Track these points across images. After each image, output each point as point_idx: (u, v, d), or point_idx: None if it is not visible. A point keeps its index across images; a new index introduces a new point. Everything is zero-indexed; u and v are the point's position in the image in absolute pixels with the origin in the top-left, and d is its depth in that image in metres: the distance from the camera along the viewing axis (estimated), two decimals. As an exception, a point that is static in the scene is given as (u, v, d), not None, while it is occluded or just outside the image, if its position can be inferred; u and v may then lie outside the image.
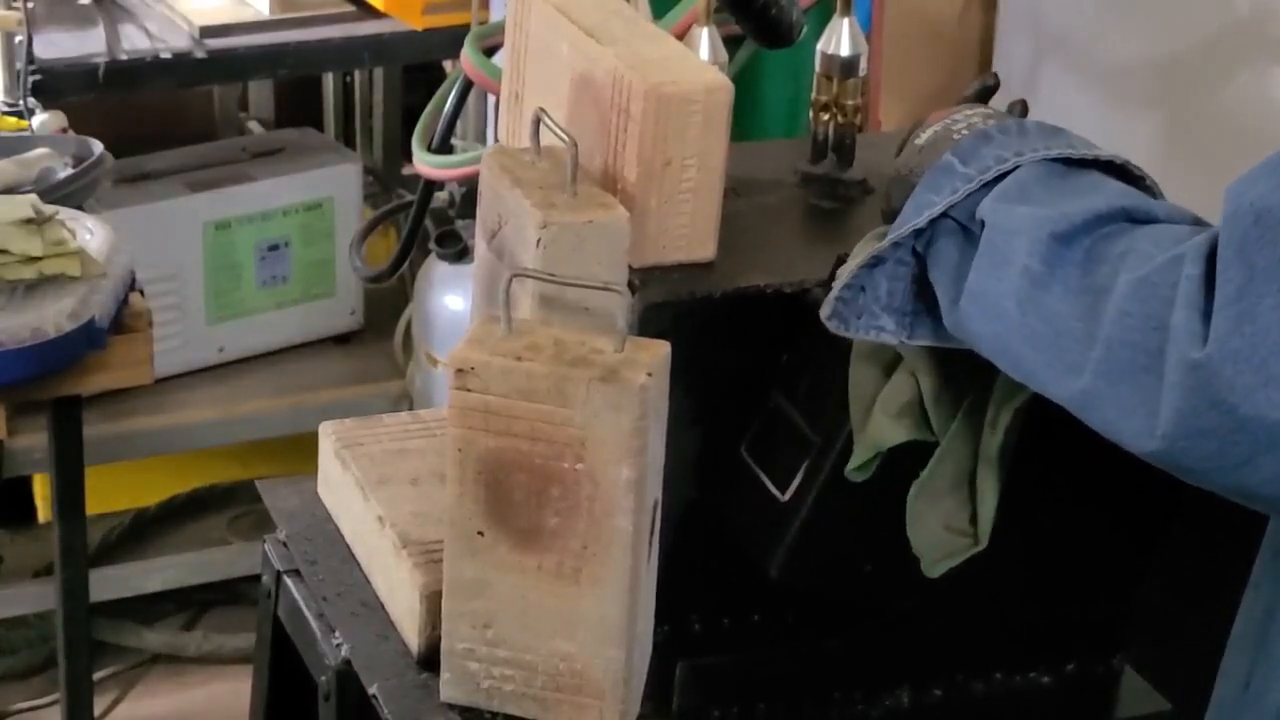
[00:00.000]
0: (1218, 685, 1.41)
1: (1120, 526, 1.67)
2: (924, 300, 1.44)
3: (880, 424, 1.51)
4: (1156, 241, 1.27)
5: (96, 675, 3.04)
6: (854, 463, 1.52)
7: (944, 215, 1.40)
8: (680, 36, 1.80)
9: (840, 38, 1.78)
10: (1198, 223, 1.35)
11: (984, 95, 1.57)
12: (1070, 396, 1.29)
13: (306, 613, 1.75)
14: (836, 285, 1.45)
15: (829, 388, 1.54)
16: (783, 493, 1.57)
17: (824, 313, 1.45)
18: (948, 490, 1.53)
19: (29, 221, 2.38)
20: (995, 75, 1.59)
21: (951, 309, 1.40)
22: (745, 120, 2.66)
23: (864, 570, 1.62)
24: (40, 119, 2.93)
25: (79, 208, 2.61)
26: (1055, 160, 1.40)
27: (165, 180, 3.35)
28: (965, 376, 1.49)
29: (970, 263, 1.37)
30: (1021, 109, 1.55)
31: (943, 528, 1.53)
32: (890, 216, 1.46)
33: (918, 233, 1.41)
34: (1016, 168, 1.39)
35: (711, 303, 1.59)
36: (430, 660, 1.62)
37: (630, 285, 1.56)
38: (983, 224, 1.37)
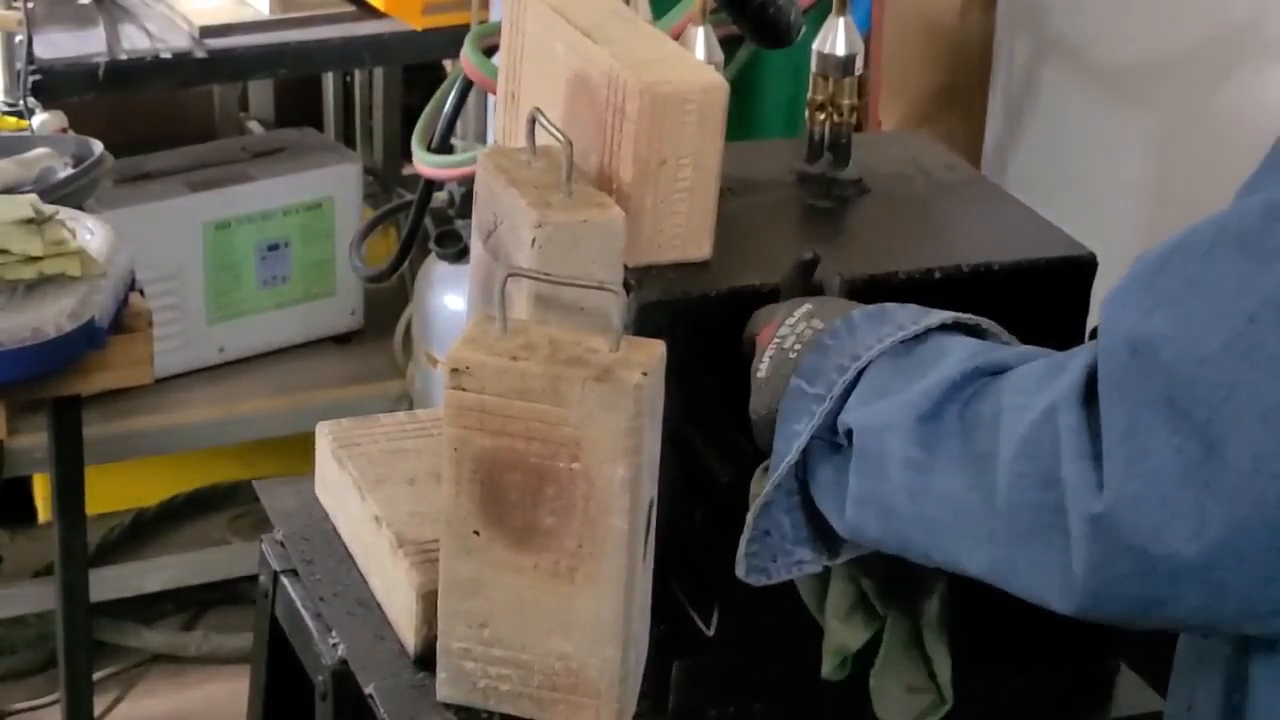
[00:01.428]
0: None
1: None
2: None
3: (837, 630, 1.52)
4: (1020, 389, 1.27)
5: (96, 675, 3.04)
6: (825, 669, 1.53)
7: (812, 438, 1.40)
8: (677, 37, 1.81)
9: (836, 37, 1.78)
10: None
11: (806, 272, 1.55)
12: (984, 569, 1.29)
13: (303, 612, 1.75)
14: (742, 543, 1.45)
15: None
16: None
17: (739, 572, 1.46)
18: (900, 656, 1.53)
19: (29, 221, 2.38)
20: (813, 251, 1.56)
21: (842, 523, 1.40)
22: (746, 120, 2.66)
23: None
24: (40, 119, 2.93)
25: (79, 208, 2.61)
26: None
27: (165, 180, 3.35)
28: (896, 559, 1.47)
29: (847, 474, 1.37)
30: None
31: (904, 690, 1.54)
32: (767, 452, 1.46)
33: (795, 465, 1.42)
34: (860, 373, 1.39)
35: (707, 302, 1.59)
36: (427, 659, 1.62)
37: (626, 285, 1.56)
38: (849, 432, 1.37)
